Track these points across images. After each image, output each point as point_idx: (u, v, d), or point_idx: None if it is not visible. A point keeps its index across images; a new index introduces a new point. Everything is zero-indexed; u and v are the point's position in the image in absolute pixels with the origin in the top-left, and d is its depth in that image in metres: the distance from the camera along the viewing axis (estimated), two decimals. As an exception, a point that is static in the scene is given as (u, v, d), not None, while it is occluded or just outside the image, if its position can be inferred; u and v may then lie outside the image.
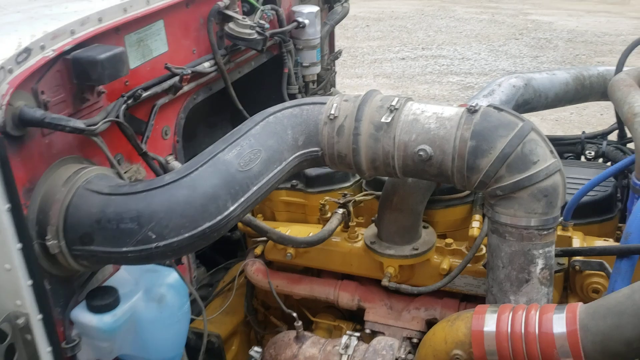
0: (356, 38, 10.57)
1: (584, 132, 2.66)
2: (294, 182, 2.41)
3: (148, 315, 1.80)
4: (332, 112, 1.78)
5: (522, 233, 1.65)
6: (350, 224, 2.20)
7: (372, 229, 2.16)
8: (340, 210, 2.20)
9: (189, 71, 2.02)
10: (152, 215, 1.55)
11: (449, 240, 2.09)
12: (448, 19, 11.45)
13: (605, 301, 1.41)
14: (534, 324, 1.47)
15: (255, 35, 2.29)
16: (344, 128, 1.76)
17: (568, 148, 2.61)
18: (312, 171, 2.38)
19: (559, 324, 1.43)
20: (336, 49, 3.20)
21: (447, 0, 12.76)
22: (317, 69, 2.89)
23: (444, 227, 2.21)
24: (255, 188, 1.69)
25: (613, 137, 2.69)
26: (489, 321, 1.52)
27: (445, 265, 2.04)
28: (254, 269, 2.40)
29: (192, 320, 2.74)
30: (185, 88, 2.11)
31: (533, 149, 1.60)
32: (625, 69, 2.25)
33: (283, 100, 2.84)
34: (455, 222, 2.21)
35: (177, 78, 2.00)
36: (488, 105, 1.70)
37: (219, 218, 1.61)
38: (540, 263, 1.67)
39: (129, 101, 1.80)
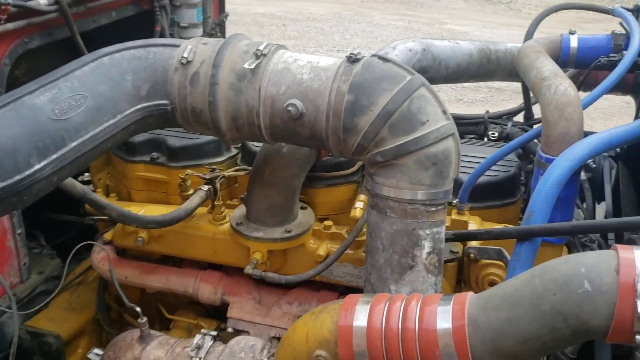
0: (272, 36, 10.26)
1: (487, 112, 2.45)
2: (155, 154, 2.03)
3: None
4: (185, 55, 1.43)
5: (405, 209, 1.36)
6: (216, 203, 1.85)
7: (241, 209, 1.82)
8: (205, 187, 1.85)
9: (9, 0, 1.61)
10: None
11: (327, 223, 1.78)
12: (365, 23, 11.37)
13: (500, 289, 1.14)
14: (414, 317, 1.17)
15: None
16: (199, 76, 1.41)
17: (470, 128, 2.38)
18: (176, 142, 2.01)
19: (443, 318, 1.15)
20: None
21: (366, 5, 12.72)
22: (198, 32, 2.53)
23: (325, 209, 1.90)
24: (74, 144, 1.31)
25: (519, 119, 2.51)
26: (360, 314, 1.22)
27: (322, 252, 1.72)
28: (99, 257, 1.99)
29: (28, 318, 2.31)
30: (10, 26, 1.69)
31: (422, 107, 1.32)
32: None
33: None
34: (338, 204, 1.91)
35: None
36: (372, 55, 1.41)
37: (17, 177, 1.22)
38: (427, 246, 1.39)
39: None
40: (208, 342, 1.64)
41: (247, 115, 1.41)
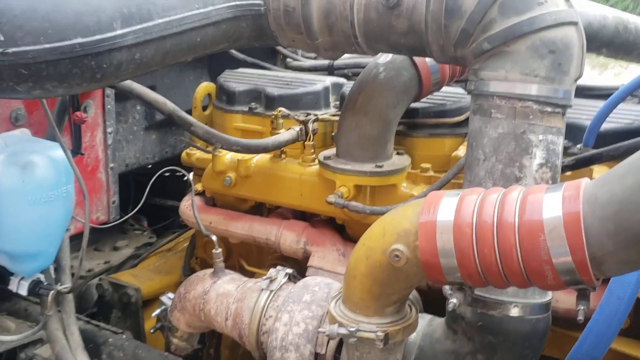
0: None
1: (623, 84, 2.13)
2: (253, 104, 1.96)
3: (5, 181, 1.35)
4: (285, -48, 1.36)
5: (515, 106, 1.15)
6: (306, 143, 1.73)
7: (332, 149, 1.68)
8: (297, 128, 1.74)
9: None
10: (8, 14, 1.13)
11: (425, 165, 1.59)
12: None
13: (629, 158, 0.89)
14: (514, 209, 0.95)
15: None
16: (295, -30, 1.34)
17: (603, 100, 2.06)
18: (274, 91, 1.94)
19: (551, 205, 0.91)
20: None
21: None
22: None
23: (426, 163, 1.71)
24: (160, 20, 1.27)
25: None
26: (446, 207, 1.01)
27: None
28: (187, 203, 1.93)
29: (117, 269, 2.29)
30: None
31: (540, -14, 1.14)
32: None
33: None
34: (442, 159, 1.70)
35: None
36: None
37: (97, 37, 1.18)
38: (538, 155, 1.16)
39: None
40: (282, 276, 1.48)
41: (341, 9, 1.30)
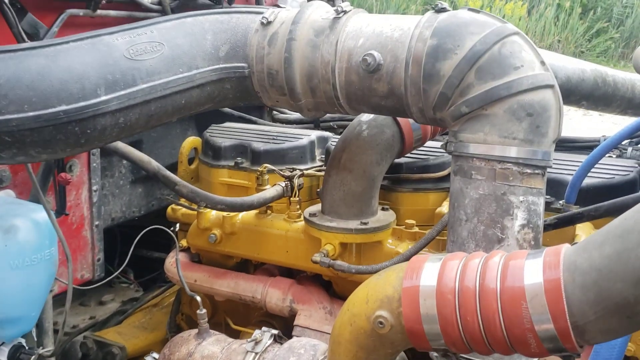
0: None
1: (604, 136, 2.17)
2: (239, 159, 1.97)
3: (-14, 246, 1.34)
4: (267, 16, 1.40)
5: (494, 168, 1.17)
6: (292, 199, 1.73)
7: (317, 205, 1.68)
8: (283, 184, 1.74)
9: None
10: None
11: (410, 221, 1.59)
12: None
13: (607, 226, 0.90)
14: (495, 275, 0.95)
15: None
16: (277, 35, 1.37)
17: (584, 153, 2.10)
18: (260, 146, 1.95)
19: (532, 271, 0.92)
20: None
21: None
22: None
23: (410, 218, 1.71)
24: (144, 86, 1.29)
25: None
26: (429, 272, 1.01)
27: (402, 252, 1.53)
28: (172, 260, 1.91)
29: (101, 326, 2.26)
30: (112, 13, 1.79)
31: (515, 52, 1.17)
32: None
33: None
34: (425, 212, 1.71)
35: None
36: (462, 8, 1.30)
37: (81, 104, 1.20)
38: (520, 217, 1.17)
39: None
40: (267, 338, 1.47)
41: (323, 72, 1.32)
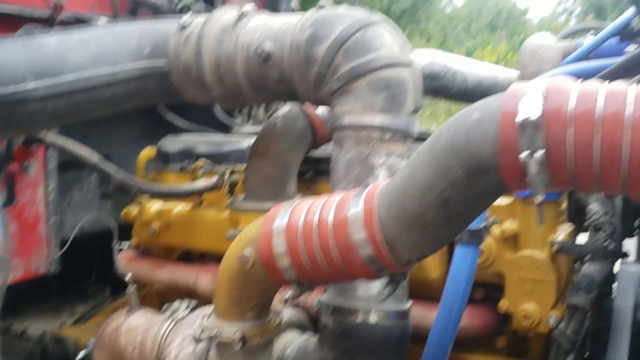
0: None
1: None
2: (185, 162, 2.16)
3: None
4: (184, 20, 1.61)
5: (359, 134, 1.33)
6: (222, 191, 1.90)
7: (243, 195, 1.85)
8: (215, 177, 1.92)
9: (64, 1, 1.93)
10: None
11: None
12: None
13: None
14: (330, 209, 1.10)
15: (164, 6, 2.23)
16: (192, 35, 1.57)
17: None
18: (203, 149, 2.13)
19: (357, 203, 1.07)
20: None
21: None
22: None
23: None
24: (70, 76, 1.49)
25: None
26: (283, 213, 1.16)
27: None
28: (123, 255, 2.08)
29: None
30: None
31: (377, 36, 1.36)
32: None
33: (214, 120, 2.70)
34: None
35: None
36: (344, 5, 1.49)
37: (11, 89, 1.41)
38: (381, 176, 1.32)
39: None
40: (184, 307, 1.61)
41: (227, 62, 1.51)
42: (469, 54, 12.38)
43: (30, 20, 1.89)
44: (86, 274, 2.76)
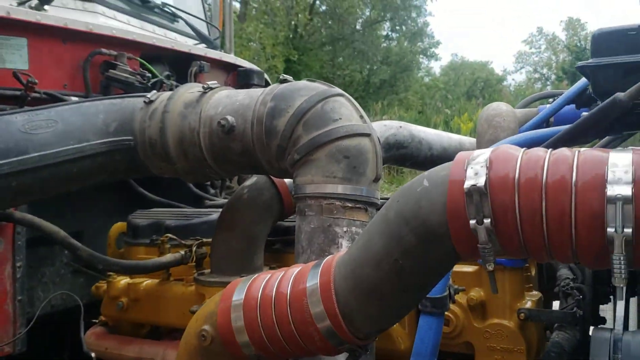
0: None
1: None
2: (155, 236, 2.13)
3: None
4: (149, 96, 1.64)
5: (321, 204, 1.34)
6: (189, 264, 1.88)
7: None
8: (183, 251, 1.90)
9: (36, 80, 1.96)
10: None
11: (288, 274, 1.72)
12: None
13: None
14: (288, 283, 1.09)
15: (137, 83, 2.27)
16: (157, 110, 1.60)
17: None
18: (172, 222, 2.12)
19: (314, 275, 1.06)
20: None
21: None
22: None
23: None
24: (35, 154, 1.50)
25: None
26: (240, 288, 1.15)
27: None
28: (91, 332, 2.02)
29: None
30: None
31: (336, 108, 1.39)
32: None
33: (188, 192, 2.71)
34: (314, 272, 1.85)
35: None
36: (305, 79, 1.53)
37: None
38: (344, 245, 1.32)
39: None
40: (148, 386, 1.55)
41: (190, 137, 1.53)
42: (446, 122, 12.71)
43: (2, 99, 1.91)
44: (60, 353, 2.67)
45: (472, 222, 0.85)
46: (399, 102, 21.00)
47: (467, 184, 0.85)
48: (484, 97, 22.27)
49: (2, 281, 2.01)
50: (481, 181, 0.85)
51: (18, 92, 1.95)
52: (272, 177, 1.79)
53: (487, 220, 0.84)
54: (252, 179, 1.80)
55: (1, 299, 2.01)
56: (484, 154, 0.88)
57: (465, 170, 0.87)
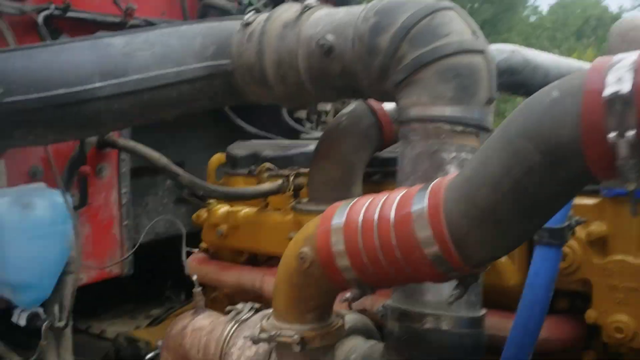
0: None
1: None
2: (253, 167, 2.13)
3: (8, 218, 1.57)
4: (247, 18, 1.58)
5: (427, 128, 1.25)
6: (287, 194, 1.86)
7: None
8: (281, 180, 1.88)
9: (135, 6, 1.96)
10: (8, 72, 1.41)
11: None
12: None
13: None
14: (392, 206, 1.02)
15: (234, 10, 2.23)
16: (254, 33, 1.54)
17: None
18: (269, 153, 2.11)
19: (420, 198, 0.99)
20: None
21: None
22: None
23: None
24: (135, 76, 1.50)
25: None
26: (341, 211, 1.10)
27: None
28: (193, 257, 2.08)
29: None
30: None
31: (445, 23, 1.27)
32: None
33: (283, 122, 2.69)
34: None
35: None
36: (408, -6, 1.42)
37: (77, 88, 1.43)
38: (452, 172, 1.23)
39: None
40: (247, 309, 1.57)
41: (289, 59, 1.47)
42: (553, 61, 11.90)
43: (103, 25, 1.94)
44: (164, 278, 2.80)
45: (612, 135, 0.74)
46: (502, 42, 19.91)
47: (608, 90, 0.74)
48: (597, 36, 20.65)
49: (108, 206, 2.10)
50: (626, 87, 0.73)
51: (117, 19, 1.97)
52: (371, 104, 1.71)
53: (630, 132, 0.72)
54: (350, 106, 1.73)
55: (108, 223, 2.10)
56: (629, 57, 0.76)
57: (605, 77, 0.76)
